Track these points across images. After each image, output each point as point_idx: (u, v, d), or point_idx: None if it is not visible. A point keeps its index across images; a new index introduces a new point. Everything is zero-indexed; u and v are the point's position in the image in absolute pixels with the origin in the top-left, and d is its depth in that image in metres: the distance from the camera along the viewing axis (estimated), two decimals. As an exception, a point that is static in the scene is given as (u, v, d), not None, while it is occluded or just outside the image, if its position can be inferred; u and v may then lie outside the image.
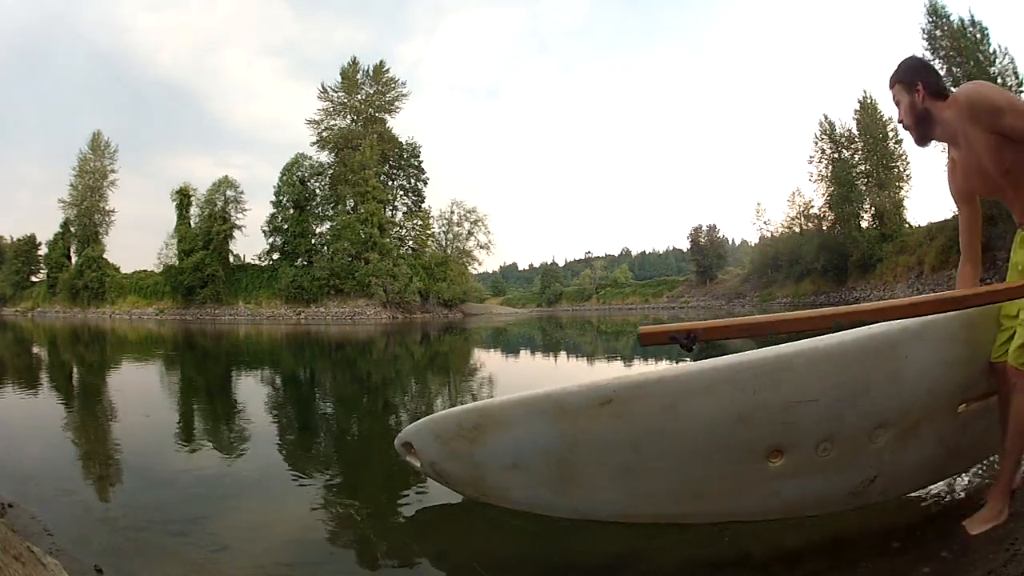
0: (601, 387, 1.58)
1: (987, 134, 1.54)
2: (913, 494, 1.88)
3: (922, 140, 1.71)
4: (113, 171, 45.34)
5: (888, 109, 36.68)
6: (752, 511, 1.68)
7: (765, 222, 47.52)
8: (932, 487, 1.92)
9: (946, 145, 1.74)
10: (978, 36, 27.32)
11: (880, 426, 1.61)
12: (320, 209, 40.70)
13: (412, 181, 43.42)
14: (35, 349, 13.09)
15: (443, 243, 43.46)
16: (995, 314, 1.66)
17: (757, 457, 1.59)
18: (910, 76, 1.68)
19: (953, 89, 1.65)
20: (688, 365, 1.59)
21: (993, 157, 1.56)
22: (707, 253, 57.71)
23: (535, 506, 1.79)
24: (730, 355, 1.63)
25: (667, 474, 1.63)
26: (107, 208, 45.03)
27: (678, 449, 1.59)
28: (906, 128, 1.72)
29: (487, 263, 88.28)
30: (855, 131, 37.58)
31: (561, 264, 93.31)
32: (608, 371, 7.69)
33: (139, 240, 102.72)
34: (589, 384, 1.59)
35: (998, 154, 1.55)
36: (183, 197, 40.57)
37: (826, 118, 38.84)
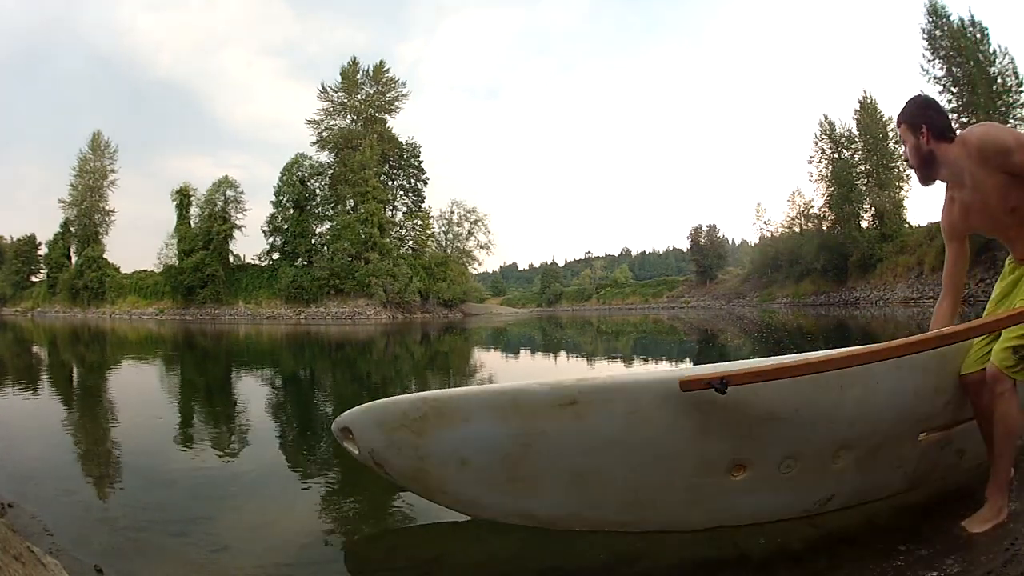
0: (565, 387, 1.51)
1: (996, 174, 1.58)
2: (913, 494, 1.89)
3: (926, 180, 1.73)
4: (113, 171, 45.43)
5: (888, 109, 36.70)
6: (703, 521, 1.68)
7: (765, 222, 47.64)
8: (932, 488, 1.93)
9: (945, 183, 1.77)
10: (978, 36, 27.35)
11: (844, 447, 1.63)
12: (320, 209, 40.70)
13: (412, 181, 43.45)
14: (35, 349, 13.09)
15: (443, 243, 43.47)
16: (966, 345, 1.71)
17: (719, 470, 1.59)
18: (915, 118, 1.69)
19: (960, 129, 1.68)
20: (658, 372, 1.59)
21: (1000, 196, 1.60)
22: (707, 253, 57.73)
23: (478, 507, 1.72)
24: (704, 365, 1.64)
25: (623, 482, 1.60)
26: (107, 208, 45.12)
27: (640, 457, 1.56)
28: (911, 167, 1.74)
29: (487, 263, 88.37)
30: (855, 131, 37.61)
31: (561, 264, 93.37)
32: (606, 371, 7.69)
33: (139, 240, 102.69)
34: (552, 384, 1.53)
35: (1005, 193, 1.59)
36: (183, 197, 40.57)
37: (826, 118, 38.90)
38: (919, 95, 1.78)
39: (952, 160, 1.65)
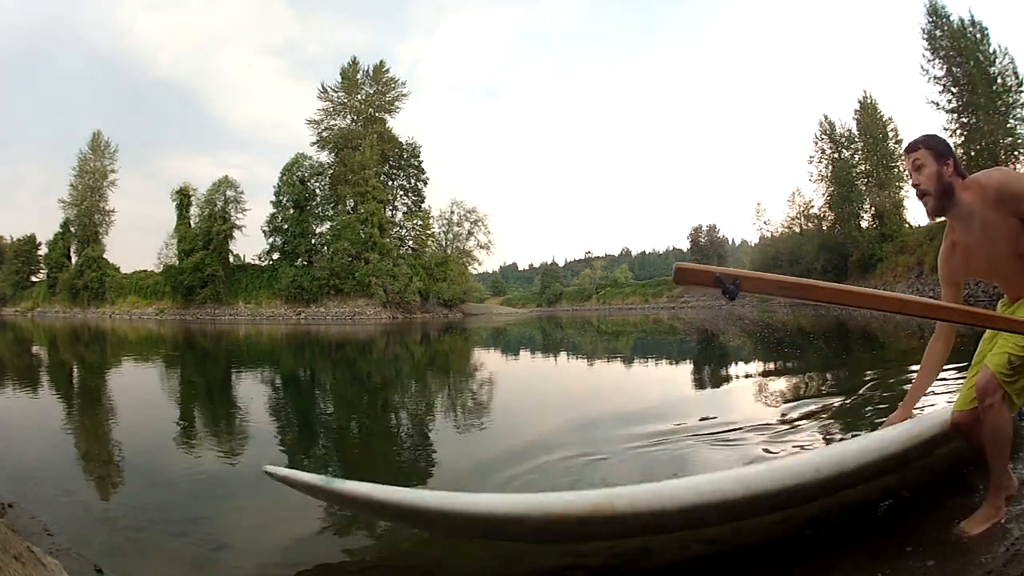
0: (608, 505, 1.36)
1: (1009, 218, 1.62)
2: (913, 494, 1.91)
3: (939, 211, 1.73)
4: (113, 171, 45.35)
5: (888, 109, 36.64)
6: None
7: (765, 222, 47.59)
8: (931, 489, 1.96)
9: (946, 226, 1.80)
10: (978, 36, 27.34)
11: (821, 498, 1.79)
12: (320, 209, 40.65)
13: (412, 181, 43.40)
14: (35, 349, 13.09)
15: (443, 243, 43.43)
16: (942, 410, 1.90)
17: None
18: (942, 146, 1.71)
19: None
20: (717, 481, 1.49)
21: (1010, 240, 1.64)
22: (707, 253, 57.71)
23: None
24: (759, 467, 1.61)
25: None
26: (107, 208, 45.04)
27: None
28: (923, 194, 1.71)
29: (487, 263, 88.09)
30: (855, 131, 37.55)
31: (561, 264, 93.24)
32: (608, 374, 7.68)
33: (139, 240, 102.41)
34: (594, 499, 1.37)
35: (1015, 238, 1.63)
36: (183, 197, 40.54)
37: (826, 118, 38.84)
38: (936, 134, 1.79)
39: (965, 201, 1.68)
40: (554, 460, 2.80)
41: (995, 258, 1.70)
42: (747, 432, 3.19)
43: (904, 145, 1.79)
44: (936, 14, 28.32)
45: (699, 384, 6.09)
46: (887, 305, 1.46)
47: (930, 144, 1.72)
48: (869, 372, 5.13)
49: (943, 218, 1.77)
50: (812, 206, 40.97)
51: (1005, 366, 1.61)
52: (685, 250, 69.50)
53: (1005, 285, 1.77)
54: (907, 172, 1.77)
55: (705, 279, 1.23)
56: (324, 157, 41.46)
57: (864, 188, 36.38)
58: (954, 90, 27.93)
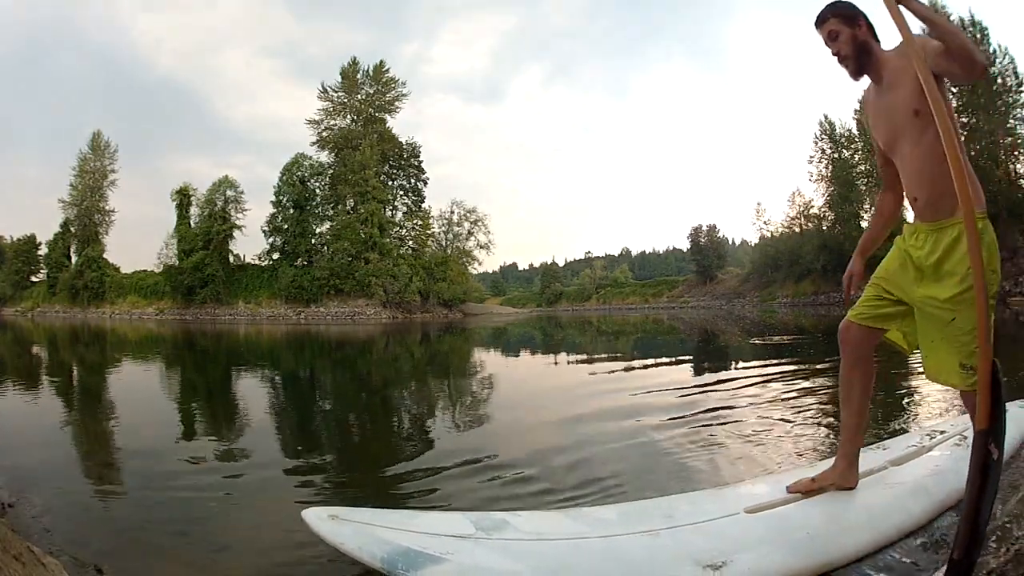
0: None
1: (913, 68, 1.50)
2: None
3: (858, 72, 1.67)
4: (113, 171, 45.36)
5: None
6: None
7: (765, 222, 47.55)
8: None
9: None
10: (978, 36, 27.35)
11: None
12: (320, 209, 40.65)
13: (412, 181, 43.37)
14: (35, 349, 13.08)
15: (443, 243, 43.42)
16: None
17: None
18: (849, 11, 1.64)
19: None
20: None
21: (912, 90, 1.53)
22: (707, 253, 57.67)
23: None
24: None
25: None
26: (107, 208, 45.07)
27: None
28: (843, 59, 1.66)
29: (487, 263, 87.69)
30: (855, 131, 37.58)
31: (561, 264, 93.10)
32: (607, 376, 7.67)
33: (139, 240, 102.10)
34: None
35: (917, 89, 1.51)
36: (183, 197, 40.54)
37: (826, 118, 38.91)
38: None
39: (880, 58, 1.63)
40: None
41: (894, 115, 1.60)
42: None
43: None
44: (936, 14, 28.31)
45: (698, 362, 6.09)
46: None
47: (838, 11, 1.65)
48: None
49: (865, 78, 1.69)
50: (812, 206, 41.06)
51: (970, 376, 1.48)
52: (685, 250, 69.44)
53: (900, 163, 1.66)
54: (824, 44, 1.69)
55: None
56: (324, 157, 41.49)
57: (864, 188, 36.39)
58: (954, 90, 27.92)
